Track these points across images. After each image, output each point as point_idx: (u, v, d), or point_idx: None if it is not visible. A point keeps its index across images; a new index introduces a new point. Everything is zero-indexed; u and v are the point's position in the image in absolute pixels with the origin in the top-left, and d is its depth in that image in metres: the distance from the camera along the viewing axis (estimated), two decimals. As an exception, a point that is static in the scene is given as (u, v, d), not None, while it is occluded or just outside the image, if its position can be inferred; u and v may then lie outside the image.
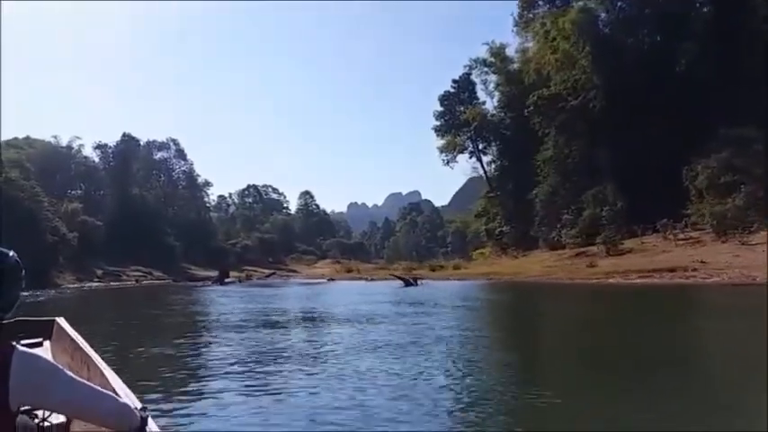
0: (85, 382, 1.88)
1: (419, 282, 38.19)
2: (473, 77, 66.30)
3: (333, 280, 55.17)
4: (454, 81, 68.87)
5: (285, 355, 11.82)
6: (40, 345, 5.02)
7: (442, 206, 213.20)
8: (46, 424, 2.18)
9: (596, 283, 27.85)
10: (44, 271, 49.70)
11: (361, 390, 8.14)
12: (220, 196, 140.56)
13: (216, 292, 38.39)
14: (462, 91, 67.88)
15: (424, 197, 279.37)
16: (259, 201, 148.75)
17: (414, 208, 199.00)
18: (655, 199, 38.44)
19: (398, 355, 11.37)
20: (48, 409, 2.05)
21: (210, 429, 6.54)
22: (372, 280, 51.05)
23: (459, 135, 66.48)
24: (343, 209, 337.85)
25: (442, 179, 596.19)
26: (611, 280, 26.34)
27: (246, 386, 8.65)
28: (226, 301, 28.98)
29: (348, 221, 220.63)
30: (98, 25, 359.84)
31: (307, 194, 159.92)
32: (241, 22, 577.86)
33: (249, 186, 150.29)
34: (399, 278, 39.73)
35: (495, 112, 64.60)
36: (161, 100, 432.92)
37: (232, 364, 10.61)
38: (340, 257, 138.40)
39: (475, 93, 67.98)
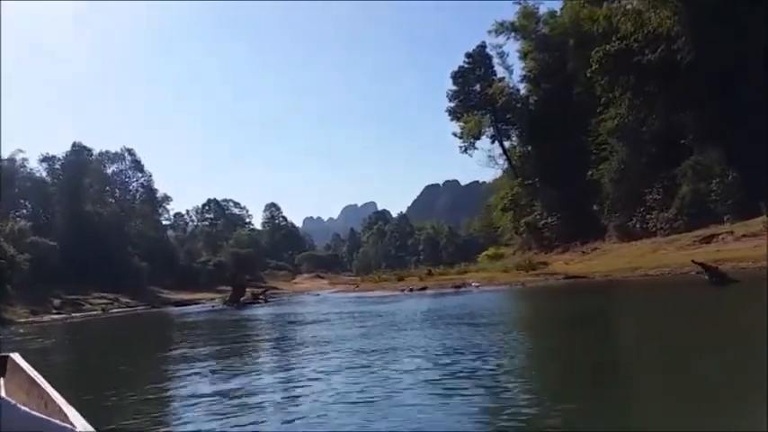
0: (44, 416, 1.81)
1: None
2: (488, 50, 58.22)
3: (418, 290, 37.04)
4: (468, 55, 59.97)
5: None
6: None
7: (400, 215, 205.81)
8: None
9: None
10: (-9, 304, 39.09)
11: None
12: (177, 214, 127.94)
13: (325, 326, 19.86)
14: (478, 66, 59.51)
15: (379, 207, 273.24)
16: (221, 216, 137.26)
17: (379, 217, 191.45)
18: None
19: None
20: None
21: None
22: (471, 285, 35.57)
23: (481, 116, 57.55)
24: (299, 224, 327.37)
25: (396, 189, 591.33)
26: None
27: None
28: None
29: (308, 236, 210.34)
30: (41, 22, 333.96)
31: (273, 207, 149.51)
32: (194, 22, 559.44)
33: (210, 201, 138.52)
34: (705, 267, 21.46)
35: (521, 86, 56.06)
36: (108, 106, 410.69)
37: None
38: (316, 271, 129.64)
39: (492, 68, 59.70)
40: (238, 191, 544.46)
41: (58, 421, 1.87)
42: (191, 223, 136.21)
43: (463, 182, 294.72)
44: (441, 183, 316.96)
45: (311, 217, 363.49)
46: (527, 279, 34.44)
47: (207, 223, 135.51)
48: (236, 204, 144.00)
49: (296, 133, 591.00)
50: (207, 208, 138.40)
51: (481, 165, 68.39)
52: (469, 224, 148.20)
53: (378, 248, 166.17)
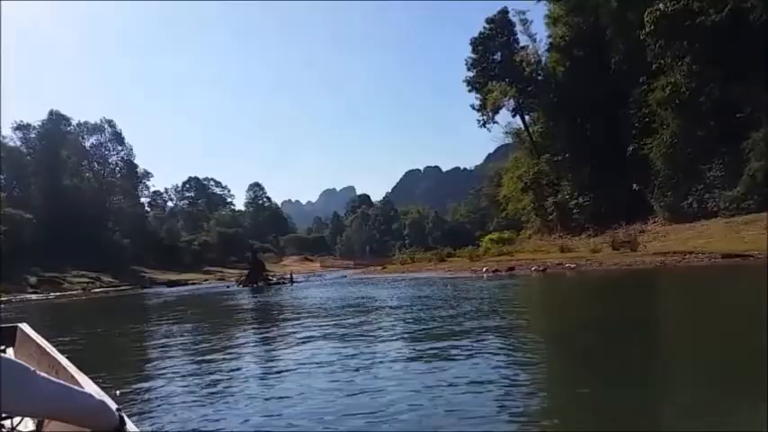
0: (60, 381, 1.80)
1: None
2: (511, 17, 53.59)
3: (506, 271, 29.33)
4: (488, 21, 55.07)
5: None
6: (3, 352, 3.69)
7: (385, 198, 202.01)
8: None
9: None
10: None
11: None
12: (155, 191, 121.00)
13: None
14: (499, 33, 55.21)
15: (359, 192, 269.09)
16: (202, 195, 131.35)
17: (363, 201, 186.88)
18: None
19: None
20: (20, 413, 1.91)
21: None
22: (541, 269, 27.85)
23: (508, 86, 52.82)
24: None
25: (376, 174, 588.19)
26: None
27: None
28: None
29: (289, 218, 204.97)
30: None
31: (256, 186, 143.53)
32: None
33: (190, 179, 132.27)
34: None
35: (544, 56, 51.42)
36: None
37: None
38: (301, 254, 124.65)
39: (515, 35, 54.83)
40: (216, 173, 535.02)
41: (77, 387, 1.83)
42: (169, 202, 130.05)
43: (444, 168, 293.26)
44: (421, 168, 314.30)
45: (289, 200, 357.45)
46: (650, 260, 26.27)
47: (187, 202, 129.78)
48: (218, 183, 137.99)
49: (277, 119, 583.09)
50: (187, 186, 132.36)
51: (496, 141, 63.75)
52: (456, 209, 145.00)
53: (362, 232, 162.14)
